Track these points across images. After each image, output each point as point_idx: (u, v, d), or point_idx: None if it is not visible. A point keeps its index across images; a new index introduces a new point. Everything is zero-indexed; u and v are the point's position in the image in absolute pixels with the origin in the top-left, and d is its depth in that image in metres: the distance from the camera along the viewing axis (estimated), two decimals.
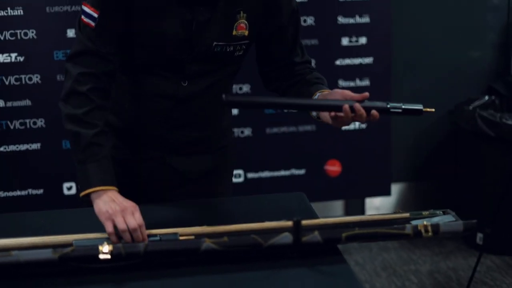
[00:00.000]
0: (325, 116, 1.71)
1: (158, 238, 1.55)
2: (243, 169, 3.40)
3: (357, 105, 1.64)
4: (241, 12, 1.79)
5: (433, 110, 1.71)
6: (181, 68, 1.82)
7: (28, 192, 3.22)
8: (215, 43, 1.79)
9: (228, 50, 1.82)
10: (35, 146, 3.19)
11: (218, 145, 2.02)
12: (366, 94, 1.66)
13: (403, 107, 1.69)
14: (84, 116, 1.71)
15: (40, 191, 3.23)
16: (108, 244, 1.48)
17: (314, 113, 1.78)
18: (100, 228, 1.58)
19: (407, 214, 1.69)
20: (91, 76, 1.74)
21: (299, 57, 1.93)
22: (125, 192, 1.68)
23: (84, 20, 1.75)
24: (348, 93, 1.69)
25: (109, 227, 1.55)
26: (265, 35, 1.88)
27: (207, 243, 1.49)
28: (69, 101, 1.73)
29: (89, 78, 1.73)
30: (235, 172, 3.33)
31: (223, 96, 1.63)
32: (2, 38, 3.06)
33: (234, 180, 3.32)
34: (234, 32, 1.80)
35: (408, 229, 1.57)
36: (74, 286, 1.46)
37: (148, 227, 1.57)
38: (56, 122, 3.03)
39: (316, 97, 1.78)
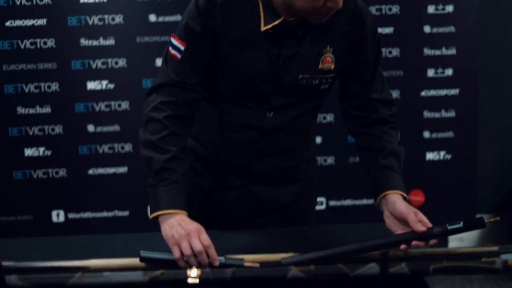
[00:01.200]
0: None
1: (223, 260, 1.58)
2: (326, 196, 3.41)
3: (415, 243, 1.64)
4: (328, 46, 1.80)
5: (498, 218, 1.68)
6: (267, 100, 1.84)
7: (114, 214, 3.32)
8: (301, 76, 1.80)
9: (313, 83, 1.83)
10: (123, 169, 3.29)
11: (302, 175, 2.03)
12: (424, 228, 1.65)
13: (462, 224, 1.66)
14: (158, 142, 1.74)
15: (126, 213, 3.32)
16: (197, 268, 1.51)
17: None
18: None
19: (495, 248, 1.66)
20: (171, 104, 1.77)
21: (377, 93, 1.90)
22: (209, 220, 1.72)
23: (171, 52, 1.79)
24: (410, 216, 1.67)
25: (176, 253, 1.59)
26: (350, 68, 1.88)
27: (294, 271, 1.50)
28: (147, 128, 1.78)
29: (168, 106, 1.77)
30: (317, 199, 3.34)
31: (281, 260, 1.61)
32: (94, 67, 3.18)
33: (316, 207, 3.34)
34: (320, 66, 1.81)
35: (498, 263, 1.55)
36: None
37: (231, 253, 1.60)
38: None
39: (380, 201, 1.79)
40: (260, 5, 1.75)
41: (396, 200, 1.74)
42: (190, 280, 1.50)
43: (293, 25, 1.74)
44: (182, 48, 1.77)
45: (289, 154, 1.96)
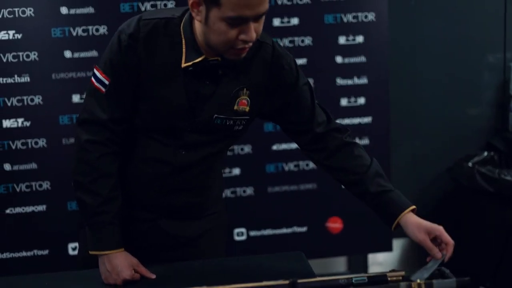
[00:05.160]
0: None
1: None
2: (246, 227, 3.43)
3: None
4: (245, 88, 1.85)
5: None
6: (181, 136, 1.87)
7: (34, 253, 3.27)
8: (215, 115, 1.84)
9: (228, 123, 1.87)
10: (41, 208, 3.25)
11: (209, 211, 2.06)
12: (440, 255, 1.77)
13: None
14: (89, 185, 1.84)
15: (46, 252, 3.28)
16: None
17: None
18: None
19: (402, 272, 1.72)
20: (98, 144, 1.83)
21: (324, 126, 1.94)
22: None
23: (95, 84, 1.82)
24: (426, 243, 1.79)
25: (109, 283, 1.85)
26: (267, 111, 1.92)
27: None
28: (78, 167, 1.86)
29: (95, 147, 1.83)
30: (238, 230, 3.38)
31: None
32: (9, 104, 3.14)
33: (237, 238, 3.38)
34: (235, 107, 1.85)
35: (402, 286, 1.61)
36: None
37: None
38: (61, 185, 3.11)
39: (398, 227, 1.85)
40: (184, 42, 1.79)
41: (409, 227, 1.82)
42: None
43: (213, 64, 1.79)
44: (106, 82, 1.81)
45: (198, 191, 1.99)
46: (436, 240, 1.80)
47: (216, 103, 1.83)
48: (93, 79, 1.83)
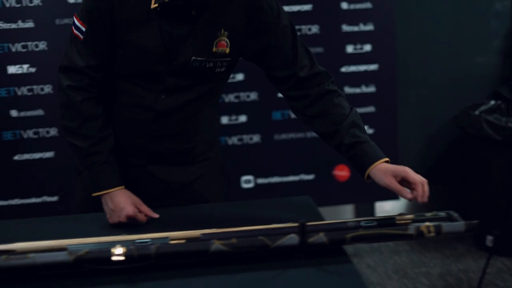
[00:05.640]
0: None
1: (149, 241, 1.58)
2: (253, 174, 3.46)
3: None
4: (222, 29, 1.82)
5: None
6: (160, 80, 1.85)
7: (43, 200, 3.29)
8: (193, 58, 1.82)
9: (208, 66, 1.84)
10: (49, 154, 3.26)
11: (201, 157, 2.04)
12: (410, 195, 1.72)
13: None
14: (77, 129, 1.86)
15: (55, 198, 3.30)
16: (121, 246, 1.54)
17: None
18: (112, 232, 1.64)
19: (411, 216, 1.73)
20: (78, 89, 1.85)
21: (307, 70, 1.88)
22: None
23: (75, 32, 1.84)
24: (393, 186, 1.72)
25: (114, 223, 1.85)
26: (249, 54, 1.88)
27: (216, 245, 1.54)
28: (64, 114, 1.88)
29: (77, 92, 1.85)
30: (245, 178, 3.39)
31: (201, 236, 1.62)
32: (13, 50, 3.12)
33: (244, 185, 3.39)
34: (214, 49, 1.82)
35: (411, 229, 1.62)
36: (89, 287, 1.51)
37: (147, 231, 1.67)
38: None
39: (369, 179, 1.79)
40: None
41: (376, 174, 1.76)
42: (114, 258, 1.53)
43: (183, 4, 1.76)
44: (83, 29, 1.82)
45: (184, 136, 1.98)
46: (405, 182, 1.75)
47: (192, 45, 1.81)
48: (73, 27, 1.85)
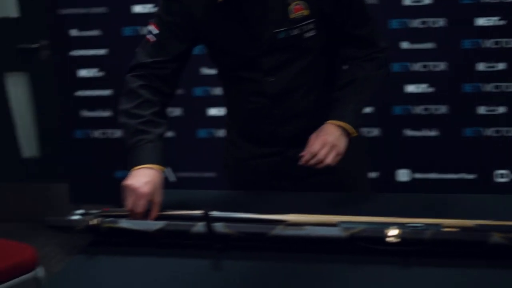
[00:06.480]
0: None
1: (422, 226, 1.55)
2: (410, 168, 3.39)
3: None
4: None
5: None
6: (258, 64, 1.87)
7: None
8: (275, 30, 1.81)
9: (293, 34, 1.83)
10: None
11: None
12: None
13: None
14: (131, 109, 1.84)
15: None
16: (396, 228, 1.52)
17: None
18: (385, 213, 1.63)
19: None
20: (140, 77, 1.88)
21: (364, 30, 1.90)
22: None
23: (147, 37, 1.90)
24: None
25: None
26: (330, 12, 1.84)
27: (496, 237, 1.49)
28: (121, 100, 1.88)
29: (138, 78, 1.88)
30: (401, 171, 3.34)
31: None
32: None
33: (400, 179, 3.34)
34: (292, 16, 1.81)
35: None
36: (361, 264, 1.50)
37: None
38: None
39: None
40: None
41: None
42: (388, 239, 1.52)
43: None
44: (155, 31, 1.88)
45: (313, 114, 1.94)
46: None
47: (269, 20, 1.81)
48: (147, 35, 1.91)
